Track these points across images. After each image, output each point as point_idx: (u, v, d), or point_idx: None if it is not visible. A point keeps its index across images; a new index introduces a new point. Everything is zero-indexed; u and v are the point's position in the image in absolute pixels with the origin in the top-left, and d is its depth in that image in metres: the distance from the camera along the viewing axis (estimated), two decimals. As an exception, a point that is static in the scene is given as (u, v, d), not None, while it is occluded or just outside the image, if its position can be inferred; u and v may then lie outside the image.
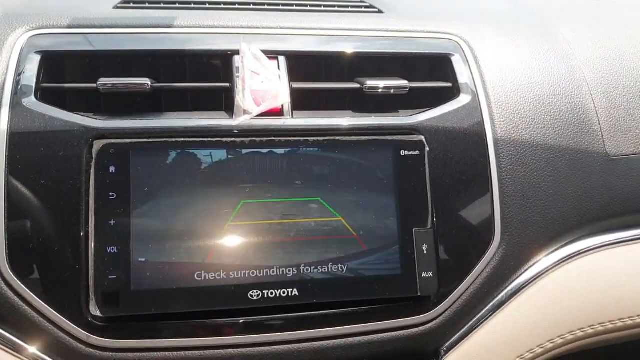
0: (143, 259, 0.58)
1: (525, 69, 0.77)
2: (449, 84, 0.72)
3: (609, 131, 0.76)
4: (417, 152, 0.66)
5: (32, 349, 0.57)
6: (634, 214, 0.76)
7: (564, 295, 0.70)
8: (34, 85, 0.62)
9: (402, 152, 0.66)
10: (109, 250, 0.57)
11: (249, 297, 0.59)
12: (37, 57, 0.63)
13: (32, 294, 0.56)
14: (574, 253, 0.72)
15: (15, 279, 0.56)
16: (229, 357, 0.59)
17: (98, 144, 0.59)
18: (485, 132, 0.70)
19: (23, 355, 0.57)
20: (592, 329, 0.69)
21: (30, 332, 0.57)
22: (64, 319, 0.57)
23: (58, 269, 0.57)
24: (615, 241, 0.74)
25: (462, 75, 0.73)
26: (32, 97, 0.61)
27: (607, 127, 0.77)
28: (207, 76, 0.68)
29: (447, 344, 0.66)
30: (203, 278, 0.59)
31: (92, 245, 0.57)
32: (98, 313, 0.57)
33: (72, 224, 0.57)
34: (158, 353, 0.58)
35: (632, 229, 0.76)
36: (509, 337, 0.67)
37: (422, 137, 0.67)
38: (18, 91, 0.61)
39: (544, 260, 0.70)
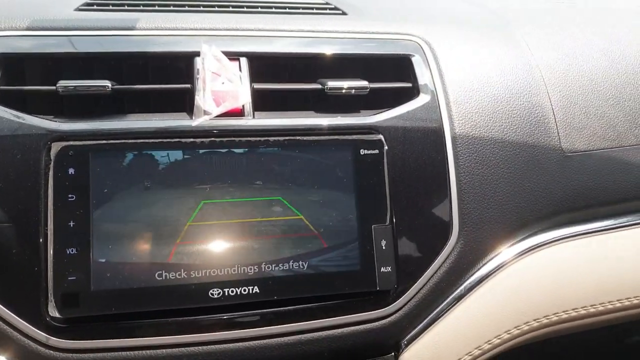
0: (103, 260, 0.58)
1: (484, 69, 0.78)
2: (409, 84, 0.73)
3: (565, 128, 0.78)
4: (376, 151, 0.67)
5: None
6: (588, 209, 0.78)
7: (521, 288, 0.71)
8: None
9: (362, 151, 0.67)
10: (68, 252, 0.57)
11: (210, 295, 0.59)
12: None
13: None
14: (531, 247, 0.73)
15: None
16: (190, 355, 0.59)
17: (56, 146, 0.59)
18: (443, 131, 0.71)
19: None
20: (547, 319, 0.71)
21: None
22: (23, 321, 0.56)
23: (17, 271, 0.57)
24: (569, 235, 0.76)
25: (422, 75, 0.74)
26: None
27: (562, 124, 0.78)
28: (169, 78, 0.68)
29: (407, 337, 0.67)
30: (164, 277, 0.59)
31: (51, 246, 0.57)
32: (57, 314, 0.56)
33: (31, 226, 0.57)
34: (119, 353, 0.58)
35: (586, 222, 0.78)
36: (467, 329, 0.69)
37: (381, 136, 0.68)
38: None
39: (501, 255, 0.72)
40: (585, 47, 0.88)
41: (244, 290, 0.60)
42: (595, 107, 0.81)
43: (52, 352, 0.57)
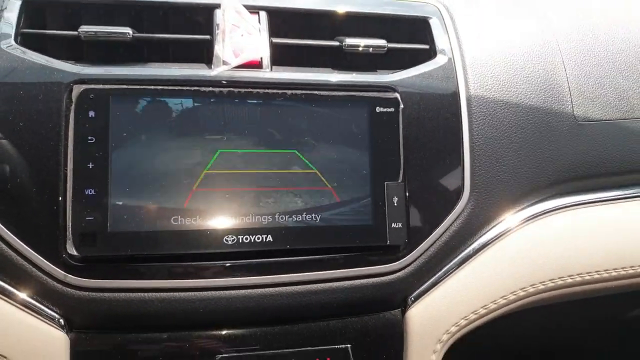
0: (120, 202, 0.58)
1: (501, 34, 0.78)
2: (426, 46, 0.73)
3: (578, 97, 0.78)
4: (392, 109, 0.67)
5: (8, 286, 0.57)
6: (597, 178, 0.77)
7: (528, 251, 0.72)
8: (13, 30, 0.61)
9: (377, 109, 0.66)
10: (86, 192, 0.57)
11: (224, 241, 0.60)
12: (18, 3, 0.62)
13: (9, 232, 0.57)
14: (539, 212, 0.74)
15: None
16: (203, 299, 0.60)
17: (78, 89, 0.59)
18: (458, 93, 0.71)
19: (3, 295, 0.57)
20: (553, 282, 0.71)
21: (7, 270, 0.57)
22: (42, 258, 0.57)
23: (36, 210, 0.57)
24: (577, 202, 0.76)
25: (440, 38, 0.73)
26: (12, 41, 0.60)
27: (576, 93, 0.78)
28: (189, 29, 0.67)
29: (414, 293, 0.68)
30: (179, 222, 0.59)
31: (70, 187, 0.57)
32: (74, 252, 0.57)
33: (51, 165, 0.57)
34: (133, 294, 0.59)
35: (594, 192, 0.78)
36: (474, 288, 0.69)
37: (397, 95, 0.67)
38: None
39: (511, 218, 0.72)
40: (602, 17, 0.87)
41: (258, 238, 0.61)
42: (609, 78, 0.80)
43: (69, 289, 0.57)
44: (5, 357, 0.55)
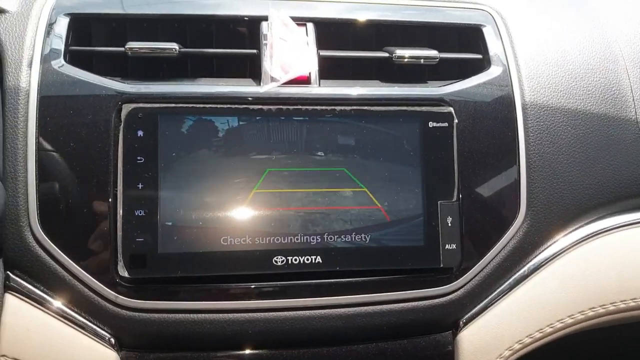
0: (170, 223, 0.58)
1: (558, 42, 0.74)
2: (479, 56, 0.70)
3: (643, 107, 0.73)
4: (446, 124, 0.64)
5: (62, 306, 0.58)
6: (664, 193, 0.73)
7: (586, 272, 0.68)
8: (62, 47, 0.61)
9: (430, 124, 0.64)
10: (136, 214, 0.57)
11: (274, 262, 0.59)
12: (66, 20, 0.62)
13: (62, 253, 0.57)
14: (598, 231, 0.70)
15: (46, 237, 0.57)
16: (252, 321, 0.60)
17: (127, 108, 0.59)
18: (514, 106, 0.67)
19: (54, 313, 0.57)
20: (614, 306, 0.68)
21: (61, 290, 0.58)
22: (93, 279, 0.57)
23: (87, 230, 0.57)
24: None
25: (493, 47, 0.70)
26: (62, 60, 0.60)
27: (641, 101, 0.73)
28: (233, 43, 0.66)
29: (466, 316, 0.65)
30: (229, 243, 0.58)
31: (120, 208, 0.57)
32: (126, 274, 0.57)
33: (101, 186, 0.57)
34: (183, 315, 0.59)
35: (659, 208, 0.73)
36: (529, 311, 0.66)
37: (451, 109, 0.65)
38: (48, 53, 0.60)
39: (568, 237, 0.69)
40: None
41: (307, 260, 0.60)
42: (676, 85, 0.75)
43: (120, 309, 0.58)
44: None
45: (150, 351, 0.60)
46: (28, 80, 0.58)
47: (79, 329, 0.58)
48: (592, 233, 0.70)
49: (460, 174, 0.64)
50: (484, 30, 0.71)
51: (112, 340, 0.59)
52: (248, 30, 0.66)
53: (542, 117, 0.68)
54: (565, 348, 0.75)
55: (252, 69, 0.64)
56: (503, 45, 0.70)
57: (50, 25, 0.62)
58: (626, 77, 0.74)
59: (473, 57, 0.70)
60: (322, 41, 0.66)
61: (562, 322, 0.67)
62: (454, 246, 0.62)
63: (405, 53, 0.66)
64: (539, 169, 0.67)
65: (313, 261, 0.60)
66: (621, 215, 0.72)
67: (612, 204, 0.71)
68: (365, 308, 0.62)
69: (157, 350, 0.60)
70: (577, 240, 0.69)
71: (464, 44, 0.71)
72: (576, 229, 0.70)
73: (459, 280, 0.64)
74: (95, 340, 0.58)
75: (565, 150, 0.68)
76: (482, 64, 0.70)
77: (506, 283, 0.66)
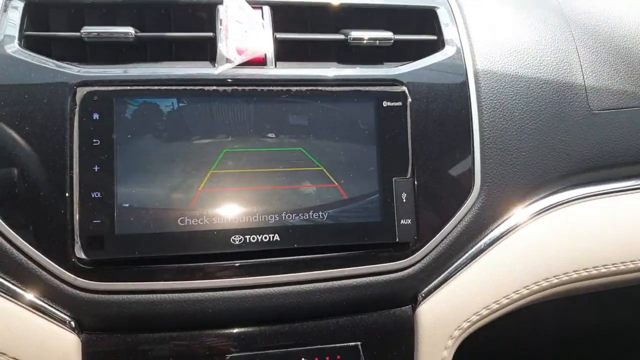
0: (127, 205, 0.59)
1: (511, 22, 0.77)
2: (434, 37, 0.72)
3: (593, 86, 0.76)
4: (399, 103, 0.66)
5: (21, 290, 0.58)
6: (612, 168, 0.76)
7: (541, 245, 0.71)
8: (17, 33, 0.61)
9: (384, 103, 0.66)
10: (93, 195, 0.58)
11: (231, 242, 0.60)
12: (21, 5, 0.63)
13: (19, 237, 0.58)
14: (551, 205, 0.73)
15: (3, 222, 0.57)
16: (211, 300, 0.61)
17: (82, 91, 0.59)
18: (468, 85, 0.70)
19: (12, 297, 0.58)
20: (567, 276, 0.71)
21: (19, 274, 0.58)
22: (51, 262, 0.58)
23: (44, 213, 0.58)
24: (590, 194, 0.75)
25: (448, 28, 0.72)
26: (16, 45, 0.61)
27: (591, 81, 0.76)
28: (192, 27, 0.67)
29: (425, 290, 0.68)
30: (186, 223, 0.60)
31: (76, 190, 0.58)
32: (83, 256, 0.58)
33: (57, 169, 0.58)
34: (142, 295, 0.60)
35: (610, 182, 0.77)
36: (486, 284, 0.69)
37: (405, 88, 0.67)
38: (1, 39, 0.60)
39: (522, 211, 0.72)
40: (616, 4, 0.84)
41: (265, 238, 0.61)
42: (625, 64, 0.79)
43: (79, 292, 0.59)
44: None
45: (112, 333, 0.61)
46: None
47: (39, 313, 0.58)
48: (547, 207, 0.73)
49: (414, 151, 0.66)
50: (438, 12, 0.73)
51: (73, 323, 0.60)
52: (206, 14, 0.68)
53: (495, 94, 0.71)
54: (525, 320, 0.78)
55: (212, 53, 0.66)
56: (457, 26, 0.73)
57: (4, 11, 0.62)
58: (576, 58, 0.77)
59: (428, 39, 0.72)
60: (280, 24, 0.67)
61: (517, 293, 0.70)
62: (409, 221, 0.65)
63: (361, 35, 0.68)
64: (492, 145, 0.69)
65: (271, 239, 0.61)
66: (574, 190, 0.75)
67: (565, 179, 0.74)
68: (324, 284, 0.63)
69: (118, 332, 0.61)
70: (531, 215, 0.72)
71: (421, 26, 0.74)
72: (531, 203, 0.73)
73: (415, 255, 0.66)
74: (55, 323, 0.59)
75: (518, 127, 0.71)
76: (438, 46, 0.72)
77: (463, 257, 0.69)
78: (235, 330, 0.63)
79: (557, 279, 0.71)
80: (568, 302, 0.82)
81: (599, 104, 0.76)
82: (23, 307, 0.58)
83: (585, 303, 0.96)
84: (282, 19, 0.68)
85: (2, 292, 0.58)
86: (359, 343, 0.65)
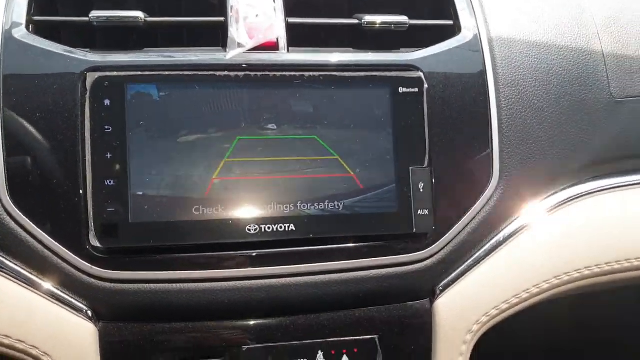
0: (141, 192, 0.61)
1: (530, 8, 0.79)
2: (450, 22, 0.74)
3: (615, 72, 0.79)
4: (416, 90, 0.68)
5: (37, 279, 0.61)
6: (636, 159, 0.78)
7: (561, 238, 0.73)
8: (24, 18, 0.64)
9: (400, 89, 0.68)
10: (106, 183, 0.60)
11: (247, 231, 0.63)
12: None
13: (34, 225, 0.60)
14: (573, 196, 0.75)
15: (17, 210, 0.60)
16: (227, 290, 0.63)
17: (92, 77, 0.62)
18: (486, 71, 0.72)
19: (29, 285, 0.61)
20: (589, 270, 0.73)
21: (34, 263, 0.61)
22: (66, 250, 0.60)
23: (58, 201, 0.60)
24: (615, 185, 0.77)
25: (464, 13, 0.74)
26: (24, 29, 0.63)
27: (613, 68, 0.79)
28: (202, 12, 0.69)
29: (442, 283, 0.70)
30: (201, 212, 0.62)
31: (89, 177, 0.60)
32: (97, 244, 0.60)
33: (69, 156, 0.60)
34: (157, 285, 0.62)
35: (634, 173, 0.79)
36: (505, 277, 0.71)
37: (421, 74, 0.69)
38: (9, 24, 0.63)
39: (542, 203, 0.74)
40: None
41: (280, 227, 0.63)
42: (649, 50, 0.81)
43: (95, 280, 0.61)
44: (37, 348, 0.59)
45: (128, 322, 0.63)
46: None
47: (56, 302, 0.61)
48: (568, 199, 0.75)
49: (431, 140, 0.68)
50: (455, -4, 0.75)
51: (89, 312, 0.62)
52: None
53: (514, 81, 0.73)
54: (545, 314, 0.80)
55: (224, 39, 0.68)
56: (474, 11, 0.75)
57: None
58: (598, 43, 0.79)
59: (444, 24, 0.74)
60: (292, 9, 0.69)
61: (538, 288, 0.72)
62: (427, 212, 0.67)
63: (375, 19, 0.70)
64: (512, 134, 0.72)
65: (286, 229, 0.64)
66: (596, 181, 0.77)
67: (586, 169, 0.76)
68: (340, 275, 0.66)
69: (135, 322, 0.63)
70: (552, 207, 0.74)
71: (437, 11, 0.76)
72: (551, 195, 0.75)
73: (433, 247, 0.68)
74: (72, 312, 0.61)
75: (537, 116, 0.73)
76: (454, 31, 0.74)
77: (482, 249, 0.71)
78: (251, 322, 0.65)
79: (579, 273, 0.73)
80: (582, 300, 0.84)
81: (622, 92, 0.78)
82: (40, 295, 0.60)
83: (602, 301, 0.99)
84: (295, 3, 0.70)
85: (19, 280, 0.60)
86: (376, 336, 0.68)
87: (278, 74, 0.65)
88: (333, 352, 0.66)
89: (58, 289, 0.61)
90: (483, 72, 0.72)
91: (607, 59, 0.79)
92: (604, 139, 0.77)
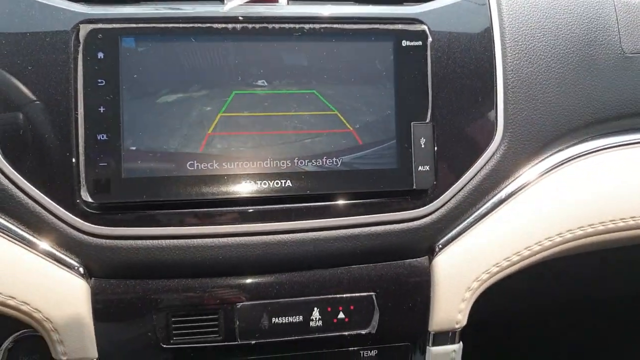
0: (134, 147, 0.61)
1: (539, -42, 0.77)
2: None
3: (627, 27, 0.77)
4: (419, 43, 0.67)
5: (29, 235, 0.62)
6: (645, 116, 0.78)
7: (565, 195, 0.73)
8: None
9: (403, 43, 0.67)
10: (98, 138, 0.61)
11: (242, 187, 0.63)
12: None
13: (25, 181, 0.60)
14: (577, 154, 0.75)
15: (9, 166, 0.60)
16: (222, 247, 0.64)
17: (85, 29, 0.61)
18: (491, 25, 0.71)
19: (21, 242, 0.61)
20: (592, 227, 0.73)
21: (26, 219, 0.61)
22: (58, 206, 0.61)
23: (50, 156, 0.61)
24: (622, 143, 0.76)
25: None
26: None
27: (625, 22, 0.77)
28: None
29: (442, 240, 0.70)
30: (195, 167, 0.62)
31: (81, 132, 0.61)
32: (89, 199, 0.61)
33: (61, 110, 0.60)
34: (150, 241, 0.62)
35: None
36: (506, 235, 0.71)
37: (425, 27, 0.68)
38: None
39: (547, 160, 0.73)
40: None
41: (277, 184, 0.64)
42: (663, 4, 0.79)
43: (87, 237, 0.62)
44: (27, 304, 0.61)
45: (121, 279, 0.64)
46: None
47: (47, 258, 0.62)
48: (573, 156, 0.75)
49: (434, 95, 0.67)
50: (461, -54, 0.73)
51: (81, 269, 0.63)
52: None
53: (520, 36, 0.72)
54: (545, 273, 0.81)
55: None
56: None
57: None
58: (610, -2, 0.77)
59: None
60: None
61: (539, 245, 0.72)
62: (427, 168, 0.67)
63: None
64: (517, 90, 0.71)
65: (283, 185, 0.64)
66: (604, 138, 0.77)
67: (593, 126, 0.76)
68: (338, 232, 0.66)
69: (128, 278, 0.64)
70: (556, 163, 0.74)
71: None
72: (556, 152, 0.74)
73: (433, 203, 0.68)
74: (63, 269, 0.62)
75: (544, 71, 0.72)
76: None
77: (483, 207, 0.71)
78: (246, 279, 0.66)
79: (582, 230, 0.73)
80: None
81: (633, 47, 0.77)
82: (32, 251, 0.61)
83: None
84: None
85: (10, 236, 0.61)
86: (373, 294, 0.69)
87: (277, 26, 0.65)
88: (329, 309, 0.67)
89: (50, 246, 0.62)
90: (489, 26, 0.71)
91: (618, 13, 0.77)
92: (613, 95, 0.76)
